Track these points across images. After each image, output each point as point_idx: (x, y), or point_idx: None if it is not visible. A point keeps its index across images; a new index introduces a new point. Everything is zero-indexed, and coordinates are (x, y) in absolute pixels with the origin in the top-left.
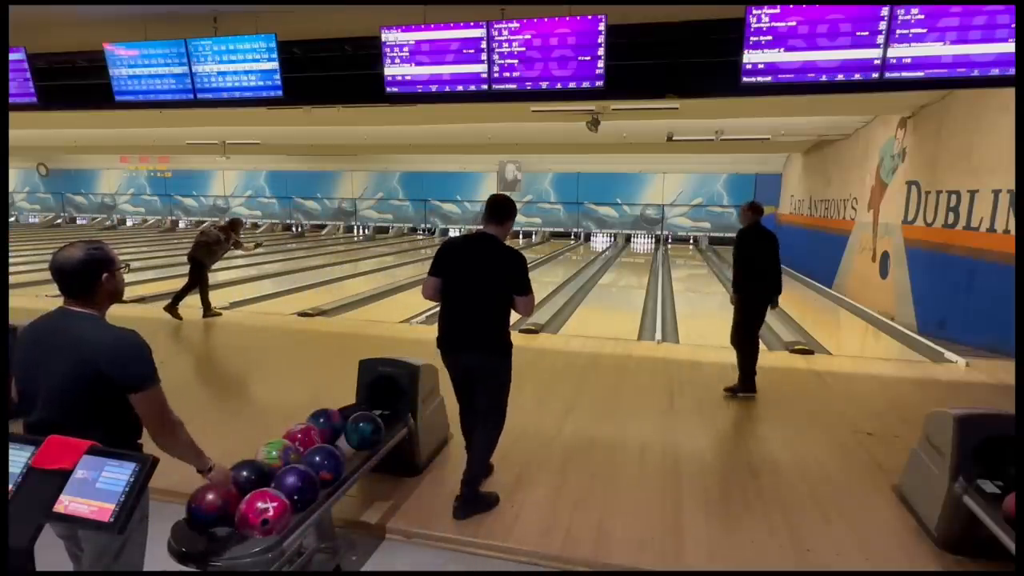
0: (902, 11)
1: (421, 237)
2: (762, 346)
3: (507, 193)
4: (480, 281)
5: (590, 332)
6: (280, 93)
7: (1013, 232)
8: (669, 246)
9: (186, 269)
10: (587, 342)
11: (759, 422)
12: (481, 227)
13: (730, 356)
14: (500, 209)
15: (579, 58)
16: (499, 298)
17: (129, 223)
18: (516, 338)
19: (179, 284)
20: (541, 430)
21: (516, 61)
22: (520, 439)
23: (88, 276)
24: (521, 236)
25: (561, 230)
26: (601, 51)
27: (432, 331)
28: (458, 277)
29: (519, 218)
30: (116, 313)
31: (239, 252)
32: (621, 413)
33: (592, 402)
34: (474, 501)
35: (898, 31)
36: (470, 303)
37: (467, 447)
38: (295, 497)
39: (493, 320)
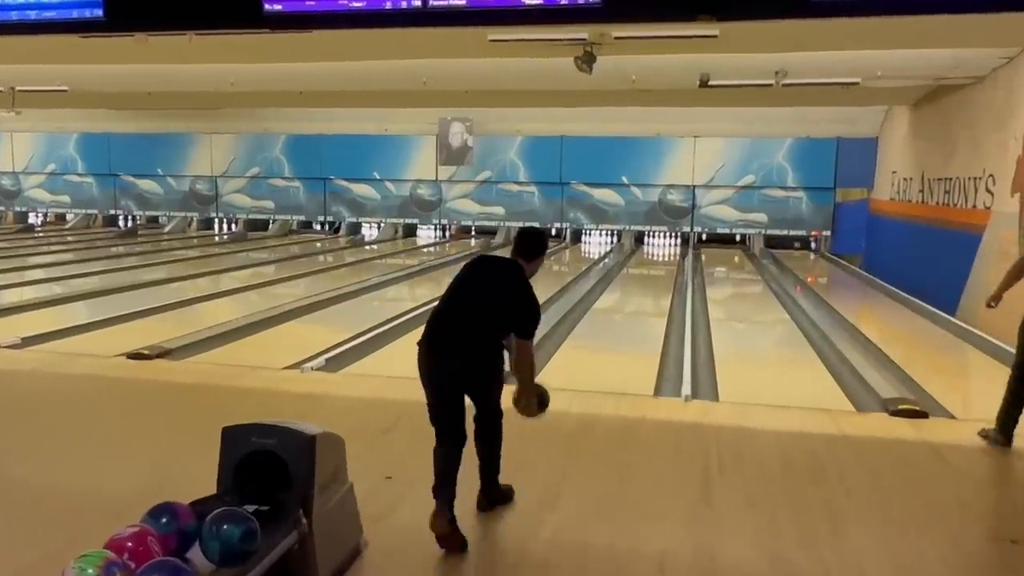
0: None
1: (319, 236)
2: (851, 407)
3: (453, 168)
4: (485, 296)
5: (581, 382)
6: (100, 13)
7: None
8: (704, 250)
9: None
10: (577, 398)
11: (844, 521)
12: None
13: (794, 423)
14: (528, 245)
15: None
16: (496, 322)
17: None
18: None
19: None
20: (506, 533)
21: None
22: (472, 551)
23: None
24: (474, 234)
25: (535, 224)
26: None
27: (340, 380)
28: (469, 283)
29: (470, 208)
30: None
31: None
32: (629, 508)
33: (584, 490)
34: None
35: None
36: (468, 312)
37: (436, 488)
38: None
39: (484, 337)
